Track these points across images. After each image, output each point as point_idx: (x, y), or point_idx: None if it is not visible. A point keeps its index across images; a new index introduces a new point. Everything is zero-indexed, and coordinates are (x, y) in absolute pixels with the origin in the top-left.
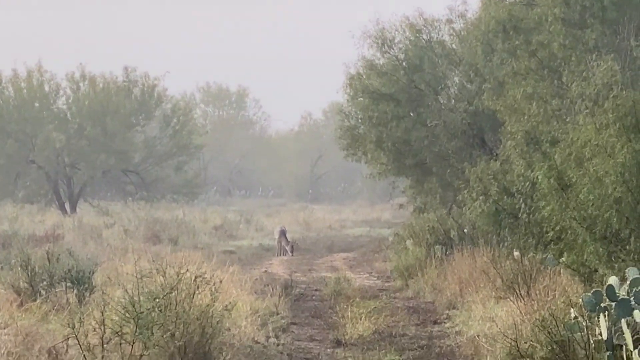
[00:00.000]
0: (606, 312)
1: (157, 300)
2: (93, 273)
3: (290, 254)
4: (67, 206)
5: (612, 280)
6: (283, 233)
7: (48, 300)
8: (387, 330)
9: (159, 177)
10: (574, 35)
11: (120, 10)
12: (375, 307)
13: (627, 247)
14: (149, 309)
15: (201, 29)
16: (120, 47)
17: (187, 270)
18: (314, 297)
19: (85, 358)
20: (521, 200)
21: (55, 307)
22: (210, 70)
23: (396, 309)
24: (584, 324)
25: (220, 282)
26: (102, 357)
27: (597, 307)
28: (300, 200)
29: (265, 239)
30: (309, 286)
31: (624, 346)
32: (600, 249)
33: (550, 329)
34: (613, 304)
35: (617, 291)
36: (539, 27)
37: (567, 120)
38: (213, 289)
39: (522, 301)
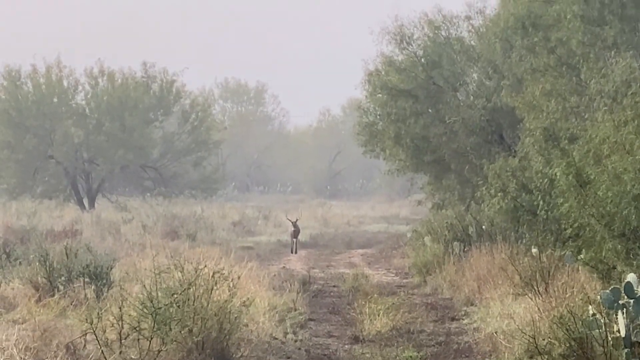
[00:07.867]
0: (624, 309)
1: (175, 295)
2: (111, 268)
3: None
4: (86, 201)
5: (631, 277)
6: (296, 232)
7: (66, 296)
8: (405, 327)
9: (177, 173)
10: (593, 32)
11: (139, 6)
12: (393, 304)
13: None
14: (167, 305)
15: (220, 25)
16: (138, 43)
17: (205, 266)
18: (332, 293)
19: (103, 353)
20: (539, 197)
21: (73, 303)
22: (229, 66)
23: (414, 305)
24: (602, 321)
25: (239, 277)
26: (120, 352)
27: (615, 304)
28: (318, 196)
29: (283, 235)
30: (327, 282)
31: None
32: (619, 246)
33: (569, 326)
34: (631, 301)
35: (635, 288)
36: (557, 24)
37: (586, 117)
38: (231, 285)
39: (540, 298)
